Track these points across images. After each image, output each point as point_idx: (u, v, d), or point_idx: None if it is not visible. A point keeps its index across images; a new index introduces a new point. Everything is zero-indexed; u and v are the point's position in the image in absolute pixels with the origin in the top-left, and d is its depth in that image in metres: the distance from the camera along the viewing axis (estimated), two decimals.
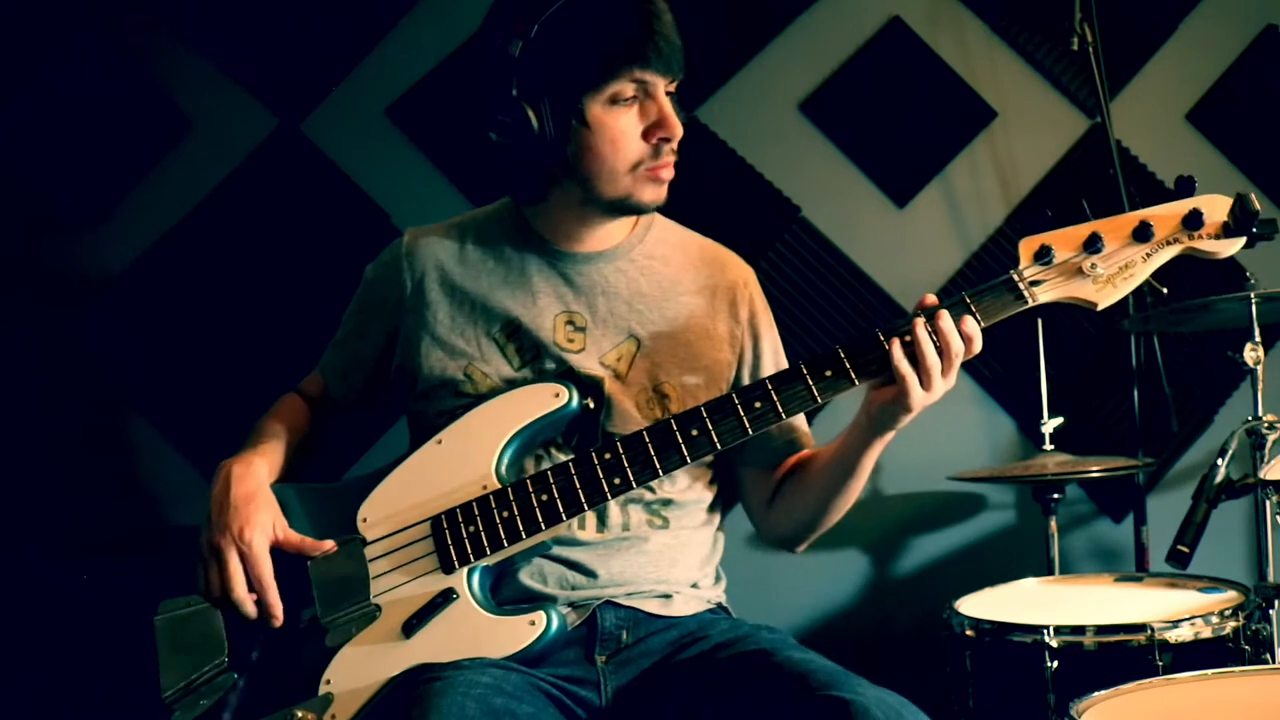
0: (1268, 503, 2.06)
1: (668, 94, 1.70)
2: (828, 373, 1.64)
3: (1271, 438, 2.15)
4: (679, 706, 1.63)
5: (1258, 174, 2.96)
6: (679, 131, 1.70)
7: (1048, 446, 2.56)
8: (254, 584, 1.65)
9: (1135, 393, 2.74)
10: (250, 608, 1.65)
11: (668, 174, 1.73)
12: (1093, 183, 2.78)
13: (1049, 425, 2.56)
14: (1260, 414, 2.18)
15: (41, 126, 2.70)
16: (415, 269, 1.82)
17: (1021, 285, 1.63)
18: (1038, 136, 2.92)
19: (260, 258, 2.73)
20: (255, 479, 1.71)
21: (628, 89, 1.66)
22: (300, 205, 2.75)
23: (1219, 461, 2.02)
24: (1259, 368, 2.17)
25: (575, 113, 1.66)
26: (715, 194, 2.74)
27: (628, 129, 1.68)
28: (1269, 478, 1.97)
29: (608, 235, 1.83)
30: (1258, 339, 2.16)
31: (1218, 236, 1.64)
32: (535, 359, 1.77)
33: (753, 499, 1.90)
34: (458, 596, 1.64)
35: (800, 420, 1.86)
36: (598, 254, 1.82)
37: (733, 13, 2.86)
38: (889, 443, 1.72)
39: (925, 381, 1.60)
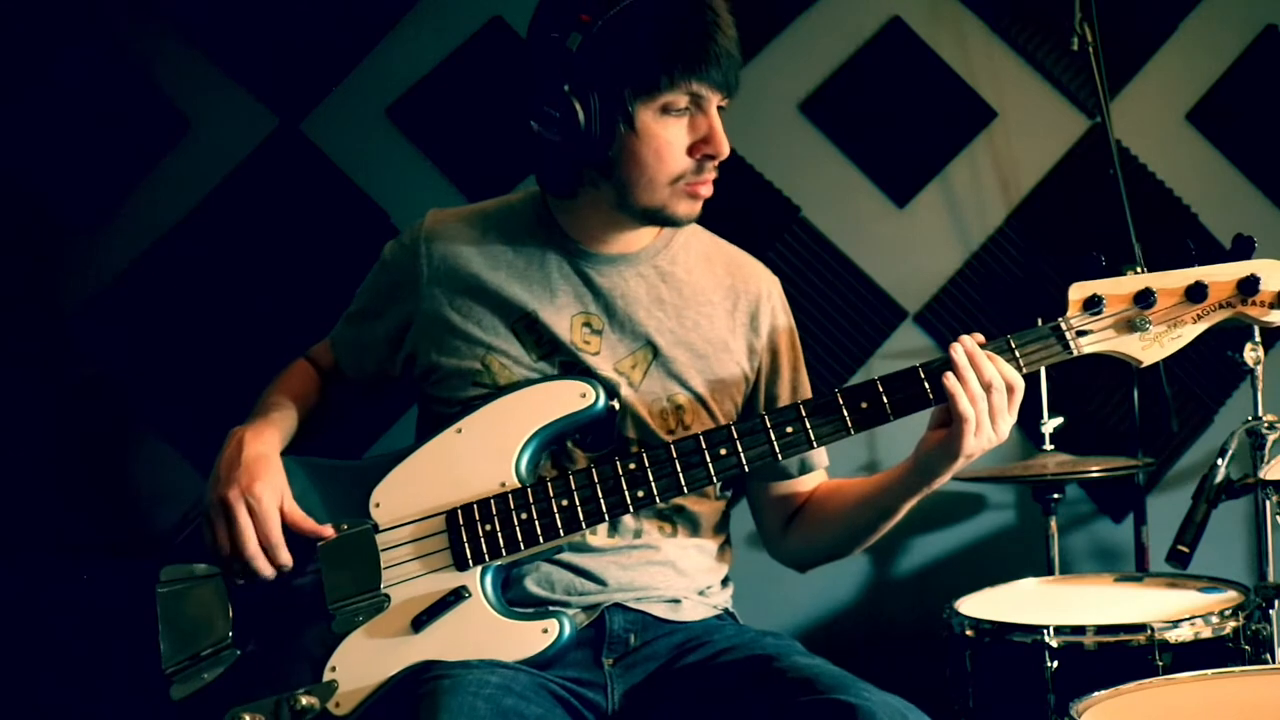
0: (1268, 503, 2.06)
1: (719, 110, 1.67)
2: (863, 405, 1.63)
3: (1271, 438, 2.15)
4: (685, 710, 1.63)
5: (1258, 174, 2.96)
6: (726, 151, 1.67)
7: (1048, 446, 2.56)
8: (263, 541, 1.63)
9: (1135, 393, 2.73)
10: (262, 563, 1.63)
11: (706, 191, 1.71)
12: (1093, 183, 2.78)
13: (1049, 425, 2.56)
14: (1260, 414, 2.18)
15: (41, 126, 2.69)
16: (434, 253, 1.79)
17: (1069, 335, 1.61)
18: (1038, 136, 2.92)
19: (260, 258, 2.73)
20: (266, 444, 1.70)
21: (681, 100, 1.64)
22: (300, 205, 2.74)
23: (1219, 461, 2.02)
24: (1259, 368, 2.17)
25: (624, 116, 1.62)
26: (715, 194, 2.73)
27: (674, 140, 1.65)
28: (1269, 478, 1.98)
29: (633, 239, 1.80)
30: (1258, 339, 2.15)
31: (1273, 305, 1.60)
32: (553, 353, 1.75)
33: (768, 518, 1.89)
34: (470, 595, 1.63)
35: None
36: (620, 256, 1.79)
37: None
38: (924, 494, 1.72)
39: (976, 426, 1.58)
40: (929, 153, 2.90)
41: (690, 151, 1.67)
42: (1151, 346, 1.62)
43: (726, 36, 1.64)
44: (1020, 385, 1.60)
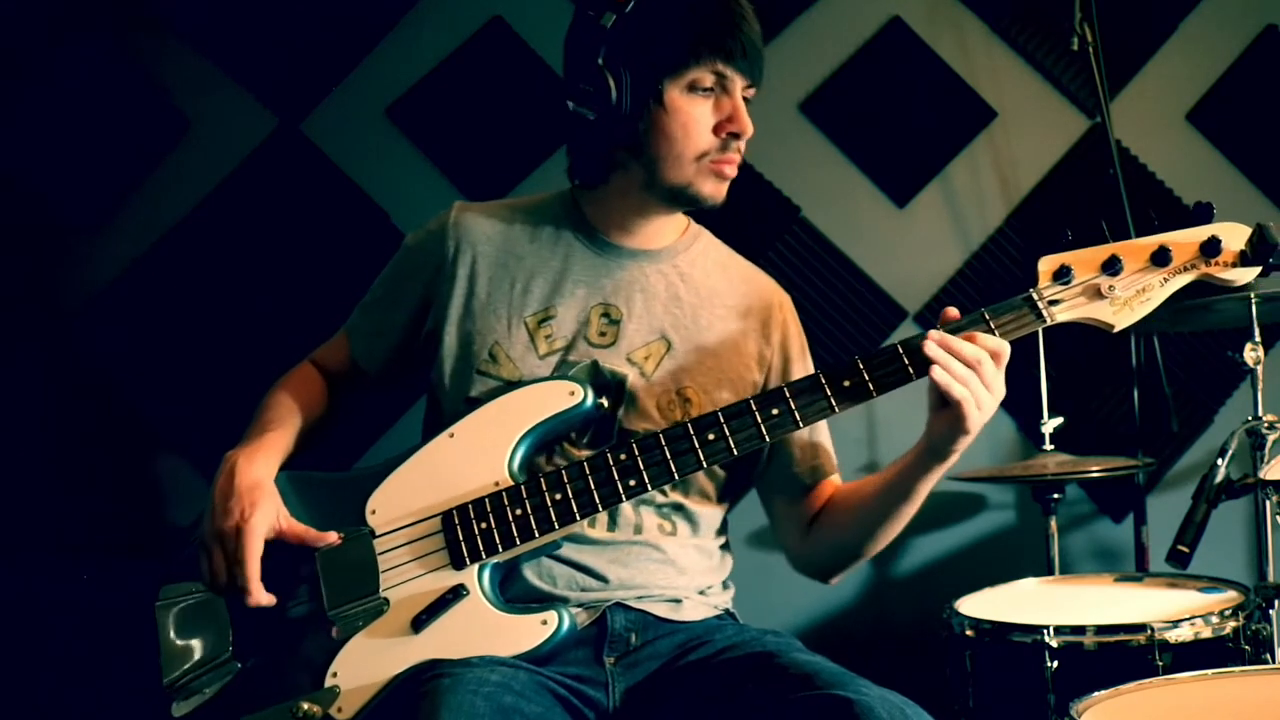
0: (1268, 503, 2.06)
1: (743, 98, 1.74)
2: (846, 383, 1.65)
3: (1271, 438, 2.15)
4: (686, 708, 1.63)
5: (1258, 174, 2.96)
6: (750, 130, 1.73)
7: (1048, 446, 2.56)
8: (238, 559, 1.62)
9: (1135, 393, 2.74)
10: (256, 594, 1.62)
11: (731, 170, 1.76)
12: (1093, 183, 2.78)
13: (1049, 425, 2.56)
14: (1260, 414, 2.18)
15: (41, 127, 2.69)
16: (460, 240, 1.82)
17: (1041, 304, 1.64)
18: (1038, 136, 2.92)
19: (260, 258, 2.73)
20: (260, 469, 1.69)
21: (707, 79, 1.71)
22: (300, 205, 2.75)
23: (1219, 461, 2.02)
24: (1259, 368, 2.17)
25: (654, 92, 1.70)
26: None
27: (701, 118, 1.72)
28: (1269, 478, 1.98)
29: (657, 234, 1.85)
30: (1258, 339, 2.16)
31: (1234, 265, 1.65)
32: (563, 349, 1.78)
33: (787, 528, 1.90)
34: (468, 593, 1.64)
35: (826, 444, 1.88)
36: (643, 252, 1.84)
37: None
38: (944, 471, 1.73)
39: (976, 402, 1.60)
40: (929, 153, 2.91)
41: (716, 130, 1.73)
42: (1122, 311, 1.65)
43: (752, 28, 1.73)
44: (1005, 349, 1.62)
